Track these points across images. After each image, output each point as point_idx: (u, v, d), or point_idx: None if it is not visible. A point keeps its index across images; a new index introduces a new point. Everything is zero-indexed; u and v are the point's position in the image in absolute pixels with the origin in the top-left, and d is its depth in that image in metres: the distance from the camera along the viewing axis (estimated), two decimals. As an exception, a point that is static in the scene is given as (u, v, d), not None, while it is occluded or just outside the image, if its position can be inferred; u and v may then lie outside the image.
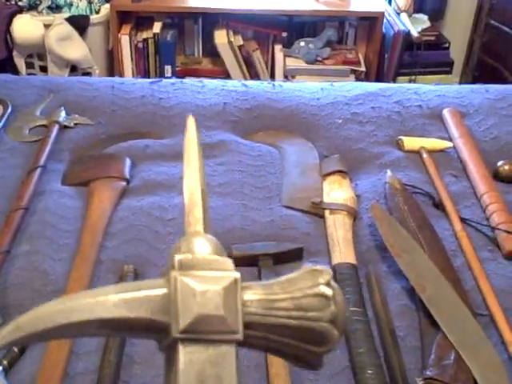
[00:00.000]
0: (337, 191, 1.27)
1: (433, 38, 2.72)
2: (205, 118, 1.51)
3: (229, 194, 1.27)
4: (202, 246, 0.50)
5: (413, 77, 2.67)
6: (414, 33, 2.59)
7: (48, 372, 0.91)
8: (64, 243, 1.14)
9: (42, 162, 1.32)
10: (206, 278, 0.46)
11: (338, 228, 1.17)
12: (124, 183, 1.29)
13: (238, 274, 0.47)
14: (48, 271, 1.08)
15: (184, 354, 0.44)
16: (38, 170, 1.30)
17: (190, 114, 1.42)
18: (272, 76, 2.75)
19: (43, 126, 1.46)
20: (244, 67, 2.68)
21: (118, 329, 0.48)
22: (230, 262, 0.49)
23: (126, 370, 0.92)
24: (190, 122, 0.64)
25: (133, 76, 2.69)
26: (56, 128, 1.44)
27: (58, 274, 1.08)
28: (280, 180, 1.33)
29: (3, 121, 1.47)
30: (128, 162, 1.35)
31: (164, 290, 0.47)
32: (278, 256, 1.11)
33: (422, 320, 1.00)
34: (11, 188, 1.27)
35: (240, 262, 1.10)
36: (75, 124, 1.47)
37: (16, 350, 0.94)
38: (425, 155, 1.41)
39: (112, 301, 0.48)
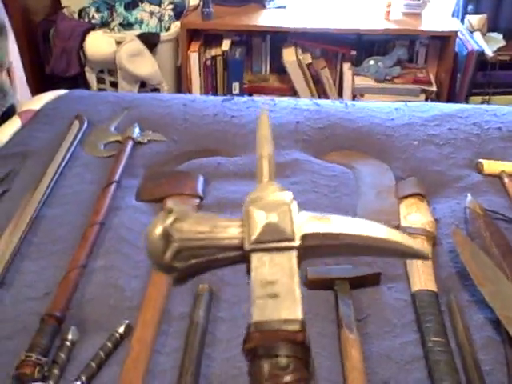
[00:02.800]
0: (414, 215, 1.24)
1: (508, 58, 2.63)
2: (277, 137, 1.48)
3: (303, 214, 1.25)
4: (266, 188, 0.64)
5: (486, 97, 2.59)
6: (489, 52, 2.52)
7: (124, 390, 0.90)
8: (140, 260, 1.14)
9: (116, 177, 1.33)
10: (269, 205, 0.59)
11: (417, 253, 1.13)
12: (197, 200, 1.29)
13: (294, 203, 0.60)
14: (124, 287, 1.08)
15: (254, 260, 0.55)
16: (113, 186, 1.31)
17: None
18: (340, 94, 2.72)
19: (117, 141, 1.48)
20: (312, 85, 2.66)
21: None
22: (289, 194, 0.61)
23: (202, 392, 0.91)
24: (264, 117, 0.73)
25: (201, 93, 2.71)
26: (130, 144, 1.45)
27: (134, 290, 1.08)
28: (355, 201, 1.30)
29: (79, 136, 1.50)
30: (201, 179, 1.35)
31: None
32: (355, 280, 1.08)
33: (509, 354, 0.95)
34: (86, 203, 1.28)
35: (315, 285, 1.08)
36: (148, 140, 1.49)
37: (94, 365, 0.94)
38: (506, 179, 1.36)
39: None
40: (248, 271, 0.55)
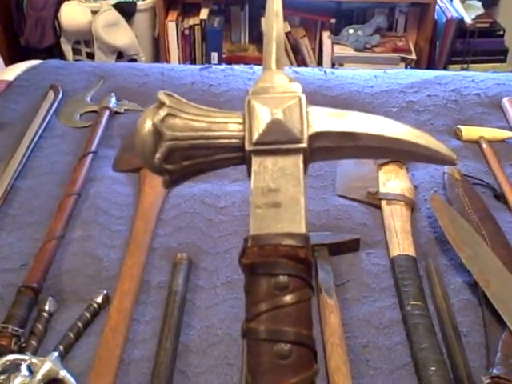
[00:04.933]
0: (393, 181, 1.23)
1: (487, 25, 2.63)
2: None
3: (282, 182, 1.24)
4: (272, 77, 0.55)
5: (465, 65, 2.59)
6: (468, 19, 2.52)
7: (104, 359, 0.90)
8: (117, 230, 1.13)
9: (93, 147, 1.31)
10: (274, 99, 0.50)
11: (396, 219, 1.14)
12: (175, 170, 1.27)
13: (302, 95, 0.51)
14: (101, 257, 1.07)
15: (255, 163, 0.47)
16: (90, 156, 1.29)
17: (241, 100, 1.41)
18: (319, 63, 2.70)
19: (94, 111, 1.46)
20: (291, 54, 2.64)
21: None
22: (298, 85, 0.52)
23: (182, 359, 0.91)
24: None
25: (179, 63, 2.67)
26: (106, 114, 1.43)
27: (112, 260, 1.07)
28: (334, 169, 1.30)
29: (54, 106, 1.47)
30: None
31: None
32: (334, 247, 1.08)
33: (486, 316, 0.96)
34: (63, 174, 1.26)
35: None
36: (125, 110, 1.46)
37: (72, 335, 0.93)
38: (484, 145, 1.36)
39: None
40: (248, 174, 0.48)
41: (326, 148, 0.50)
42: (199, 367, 0.90)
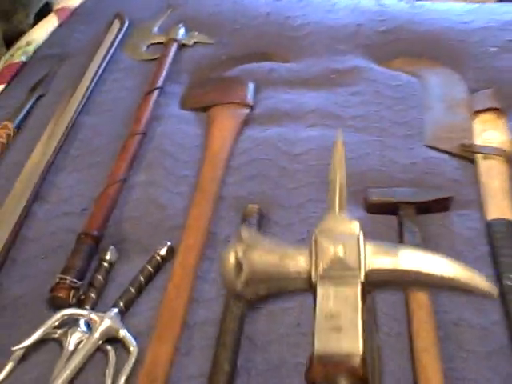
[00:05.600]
0: (490, 132, 1.10)
1: None
2: (336, 41, 1.35)
3: (364, 128, 1.12)
4: (335, 219, 0.61)
5: None
6: None
7: (166, 320, 0.83)
8: (182, 175, 1.05)
9: (159, 83, 1.22)
10: (337, 238, 0.58)
11: (493, 176, 1.01)
12: (247, 110, 1.17)
13: (361, 233, 0.58)
14: (166, 205, 0.99)
15: (320, 292, 0.55)
16: (156, 92, 1.20)
17: (320, 35, 1.28)
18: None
19: (161, 43, 1.36)
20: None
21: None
22: (357, 224, 0.59)
23: (250, 325, 0.83)
24: (339, 144, 0.66)
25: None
26: (174, 46, 1.33)
27: (176, 209, 0.99)
28: (422, 115, 1.16)
29: (120, 37, 1.38)
30: (251, 86, 1.22)
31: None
32: (422, 205, 0.96)
33: None
34: (127, 111, 1.18)
35: (377, 209, 0.97)
36: (195, 43, 1.36)
37: (133, 290, 0.87)
38: None
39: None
40: (314, 301, 0.56)
41: (382, 281, 0.58)
42: (269, 335, 0.82)
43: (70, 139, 1.12)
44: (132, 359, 0.79)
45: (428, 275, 0.57)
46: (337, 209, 0.62)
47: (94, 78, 1.24)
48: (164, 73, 1.24)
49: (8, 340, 0.81)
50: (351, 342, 0.53)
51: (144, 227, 0.97)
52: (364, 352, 0.53)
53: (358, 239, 0.57)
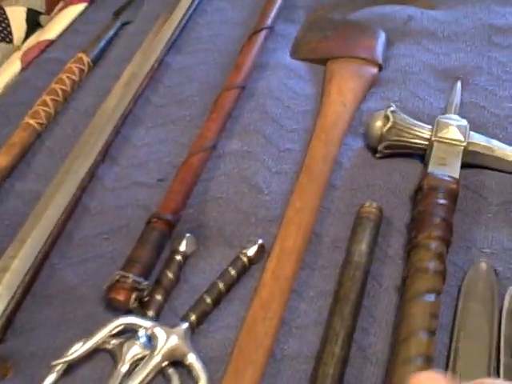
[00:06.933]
0: None
1: None
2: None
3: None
4: None
5: None
6: None
7: (247, 350, 0.63)
8: (286, 149, 0.83)
9: (269, 21, 0.99)
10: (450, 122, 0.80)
11: None
12: (375, 70, 0.92)
13: None
14: (261, 187, 0.78)
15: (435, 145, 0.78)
16: (263, 33, 0.97)
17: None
18: None
19: (274, -31, 1.11)
20: None
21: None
22: None
23: (354, 367, 0.63)
24: None
25: None
26: (293, -26, 1.08)
27: (274, 193, 0.78)
28: None
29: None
30: (382, 37, 0.97)
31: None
32: None
33: None
34: (227, 53, 0.97)
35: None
36: (318, -28, 1.10)
37: (209, 300, 0.68)
38: None
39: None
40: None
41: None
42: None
43: (154, 83, 0.92)
44: (200, 394, 0.61)
45: None
46: None
47: (190, 6, 1.02)
48: (275, 8, 1.01)
49: (51, 341, 0.66)
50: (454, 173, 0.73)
51: (231, 213, 0.76)
52: None
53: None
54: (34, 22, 1.08)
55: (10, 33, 1.06)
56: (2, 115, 0.89)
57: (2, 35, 1.05)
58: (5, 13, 1.07)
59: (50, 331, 0.67)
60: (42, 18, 1.09)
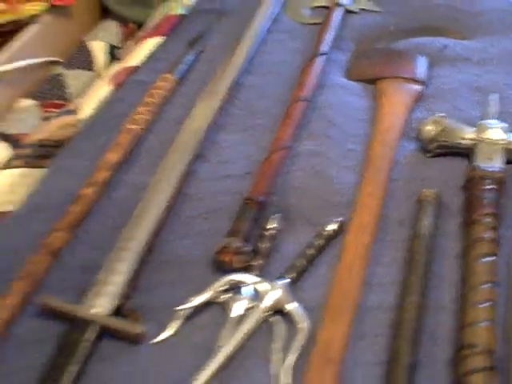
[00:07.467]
0: None
1: None
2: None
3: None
4: None
5: None
6: None
7: (338, 302, 0.76)
8: (350, 149, 0.98)
9: (325, 48, 1.15)
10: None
11: None
12: (418, 87, 1.08)
13: None
14: (333, 178, 0.93)
15: (478, 146, 0.93)
16: (321, 58, 1.13)
17: (499, 13, 1.16)
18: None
19: (324, 7, 1.28)
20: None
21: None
22: None
23: (430, 318, 0.76)
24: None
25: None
26: (340, 11, 1.25)
27: (345, 183, 0.92)
28: None
29: (282, -2, 1.31)
30: (423, 61, 1.13)
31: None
32: None
33: None
34: (289, 75, 1.12)
35: None
36: (361, 9, 1.28)
37: (304, 262, 0.81)
38: None
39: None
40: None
41: None
42: (452, 329, 0.74)
43: (232, 98, 1.07)
44: (304, 336, 0.73)
45: None
46: None
47: (255, 37, 1.18)
48: (329, 38, 1.17)
49: (170, 297, 0.78)
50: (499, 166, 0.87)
51: (309, 199, 0.91)
52: None
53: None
54: (112, 54, 1.25)
55: (92, 62, 1.22)
56: (102, 125, 1.04)
57: (85, 64, 1.21)
58: (86, 46, 1.23)
59: (167, 290, 0.80)
60: (117, 52, 1.26)
